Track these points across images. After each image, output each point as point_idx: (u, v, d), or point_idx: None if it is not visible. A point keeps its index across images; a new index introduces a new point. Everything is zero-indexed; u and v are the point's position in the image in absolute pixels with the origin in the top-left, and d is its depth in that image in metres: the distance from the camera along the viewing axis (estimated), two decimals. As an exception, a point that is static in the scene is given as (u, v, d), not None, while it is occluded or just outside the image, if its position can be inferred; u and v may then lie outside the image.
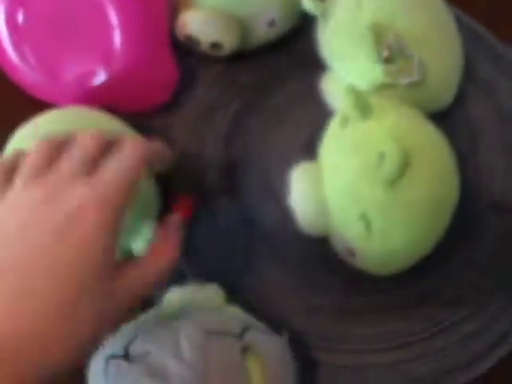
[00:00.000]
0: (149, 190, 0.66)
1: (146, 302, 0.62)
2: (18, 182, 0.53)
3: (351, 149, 0.62)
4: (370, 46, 0.65)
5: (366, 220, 0.60)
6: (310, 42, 0.73)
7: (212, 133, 0.74)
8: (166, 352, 0.55)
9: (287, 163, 0.67)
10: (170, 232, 0.59)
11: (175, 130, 0.74)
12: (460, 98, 0.73)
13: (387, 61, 0.66)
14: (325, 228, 0.64)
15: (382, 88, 0.66)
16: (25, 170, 0.53)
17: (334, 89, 0.70)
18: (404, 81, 0.66)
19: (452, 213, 0.63)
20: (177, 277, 0.65)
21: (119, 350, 0.56)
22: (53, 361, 0.48)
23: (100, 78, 0.71)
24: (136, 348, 0.56)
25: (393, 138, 0.59)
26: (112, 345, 0.58)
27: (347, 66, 0.69)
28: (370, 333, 0.66)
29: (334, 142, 0.64)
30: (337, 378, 0.64)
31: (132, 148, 0.54)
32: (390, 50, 0.65)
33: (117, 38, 0.70)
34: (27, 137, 0.66)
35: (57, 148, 0.55)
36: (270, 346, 0.58)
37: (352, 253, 0.63)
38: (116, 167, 0.53)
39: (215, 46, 0.73)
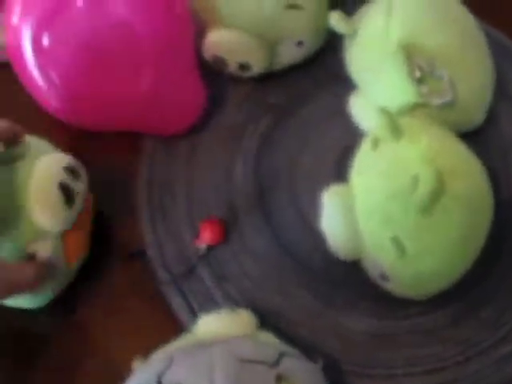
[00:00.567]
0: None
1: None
2: None
3: (383, 171, 0.61)
4: (401, 67, 0.64)
5: (398, 243, 0.59)
6: (337, 60, 0.73)
7: (240, 153, 0.74)
8: (198, 381, 0.55)
9: (316, 183, 0.66)
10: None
11: (204, 150, 0.74)
12: (492, 114, 0.72)
13: (418, 81, 0.65)
14: (357, 251, 0.63)
15: (414, 108, 0.65)
16: None
17: (362, 109, 0.69)
18: (436, 101, 0.65)
19: (487, 234, 0.62)
20: (209, 302, 0.65)
21: (152, 379, 0.56)
22: None
23: (127, 100, 0.70)
24: (168, 378, 0.55)
25: (426, 160, 0.59)
26: (144, 374, 0.57)
27: (377, 86, 0.68)
28: (404, 357, 0.65)
29: (366, 164, 0.63)
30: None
31: None
32: (422, 71, 0.65)
33: (144, 60, 0.69)
34: None
35: None
36: (304, 374, 0.57)
37: (384, 277, 0.62)
38: None
39: (243, 66, 0.72)
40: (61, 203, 0.62)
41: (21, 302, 0.65)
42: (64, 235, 0.64)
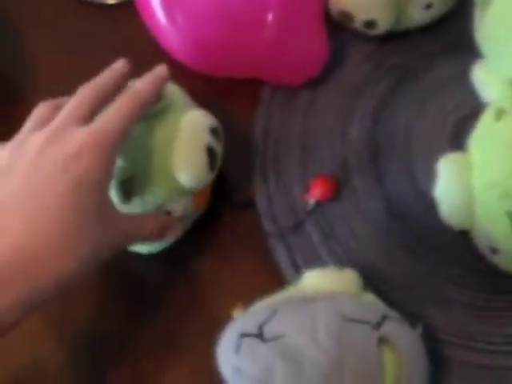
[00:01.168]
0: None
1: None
2: (28, 126, 0.60)
3: (504, 143, 0.59)
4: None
5: (513, 218, 0.58)
6: (464, 25, 0.71)
7: (357, 112, 0.73)
8: (301, 336, 0.55)
9: (431, 151, 0.66)
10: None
11: (319, 106, 0.74)
12: None
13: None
14: (468, 221, 0.62)
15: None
16: (33, 117, 0.61)
17: (488, 78, 0.68)
18: None
19: None
20: (314, 259, 0.65)
21: (253, 329, 0.56)
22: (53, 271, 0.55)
23: (250, 46, 0.70)
24: (271, 328, 0.56)
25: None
26: (245, 322, 0.58)
27: (506, 57, 0.66)
28: (504, 334, 0.64)
29: (487, 135, 0.61)
30: (469, 378, 0.62)
31: (125, 97, 0.61)
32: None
33: (271, 8, 0.69)
34: None
35: (62, 101, 0.62)
36: (405, 339, 0.57)
37: (495, 250, 0.61)
38: (112, 114, 0.59)
39: (369, 24, 0.71)
40: (206, 166, 0.63)
41: (138, 247, 0.67)
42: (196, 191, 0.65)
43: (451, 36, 0.75)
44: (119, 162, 0.61)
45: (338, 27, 0.74)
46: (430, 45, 0.76)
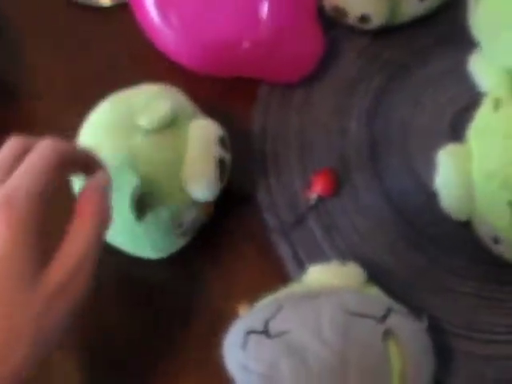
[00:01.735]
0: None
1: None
2: None
3: (503, 133, 0.60)
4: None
5: (514, 209, 0.58)
6: (458, 17, 0.71)
7: (354, 108, 0.73)
8: (306, 331, 0.55)
9: (429, 143, 0.66)
10: (84, 202, 0.54)
11: (315, 103, 0.74)
12: None
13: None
14: (469, 212, 0.62)
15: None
16: None
17: (485, 68, 0.68)
18: None
19: None
20: (316, 253, 0.65)
21: (259, 325, 0.56)
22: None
23: (245, 44, 0.70)
24: (276, 325, 0.56)
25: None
26: (251, 318, 0.58)
27: (502, 47, 0.66)
28: (507, 323, 0.64)
29: (485, 125, 0.62)
30: (474, 368, 0.62)
31: (41, 150, 0.52)
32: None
33: (265, 5, 0.69)
34: (103, 114, 0.66)
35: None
36: (410, 331, 0.57)
37: (497, 239, 0.61)
38: (24, 171, 0.51)
39: (363, 18, 0.71)
40: (217, 178, 0.63)
41: (146, 252, 0.67)
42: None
43: (445, 28, 0.76)
44: (131, 179, 0.60)
45: (331, 23, 0.74)
46: (424, 38, 0.76)
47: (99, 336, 0.66)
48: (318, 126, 0.72)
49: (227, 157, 0.64)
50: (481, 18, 0.68)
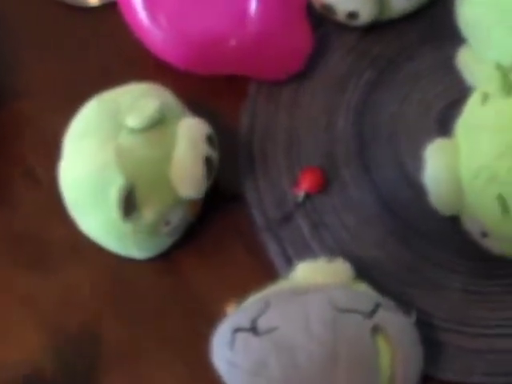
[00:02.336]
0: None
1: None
2: None
3: (492, 127, 0.59)
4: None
5: (502, 201, 0.58)
6: (446, 12, 0.71)
7: (342, 104, 0.73)
8: (294, 328, 0.55)
9: (418, 139, 0.66)
10: None
11: (304, 99, 0.74)
12: None
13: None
14: (458, 207, 0.62)
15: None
16: None
17: (472, 64, 0.68)
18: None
19: None
20: (305, 251, 0.65)
21: (246, 323, 0.56)
22: None
23: (232, 42, 0.70)
24: (264, 322, 0.56)
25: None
26: (238, 317, 0.58)
27: (489, 41, 0.66)
28: (497, 317, 0.64)
29: (473, 119, 0.62)
30: (465, 362, 0.62)
31: None
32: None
33: (252, 2, 0.69)
34: (91, 113, 0.66)
35: None
36: (399, 326, 0.57)
37: (484, 233, 0.61)
38: None
39: (352, 15, 0.71)
40: (204, 176, 0.63)
41: (134, 252, 0.66)
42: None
43: (433, 24, 0.75)
44: (117, 179, 0.60)
45: (320, 19, 0.74)
46: (413, 34, 0.76)
47: (85, 337, 0.66)
48: (307, 123, 0.72)
49: (214, 155, 0.64)
50: (468, 14, 0.68)
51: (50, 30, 0.80)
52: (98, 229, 0.64)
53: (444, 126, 0.67)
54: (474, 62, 0.67)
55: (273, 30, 0.70)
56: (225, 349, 0.57)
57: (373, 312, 0.56)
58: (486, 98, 0.61)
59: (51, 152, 0.66)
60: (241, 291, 0.61)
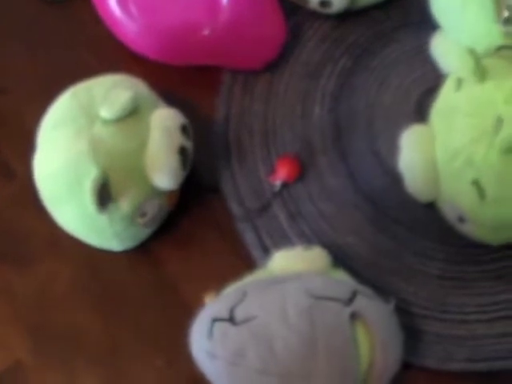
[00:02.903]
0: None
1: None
2: None
3: (466, 112, 0.59)
4: (488, 6, 0.62)
5: (478, 186, 0.58)
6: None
7: (318, 92, 0.73)
8: (271, 317, 0.55)
9: (395, 124, 0.66)
10: None
11: (280, 88, 0.73)
12: None
13: (506, 21, 0.63)
14: (434, 192, 0.62)
15: (500, 50, 0.63)
16: None
17: (445, 50, 0.68)
18: (524, 42, 0.63)
19: None
20: (282, 240, 0.65)
21: (224, 313, 0.56)
22: None
23: (205, 31, 0.70)
24: (241, 312, 0.56)
25: (511, 100, 0.57)
26: (216, 306, 0.57)
27: (461, 27, 0.66)
28: (478, 303, 0.64)
29: (448, 105, 0.62)
30: (447, 349, 0.62)
31: None
32: (510, 10, 0.63)
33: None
34: (65, 105, 0.65)
35: None
36: (378, 313, 0.57)
37: (462, 219, 0.61)
38: None
39: (324, 3, 0.71)
40: (179, 166, 0.62)
41: (111, 244, 0.66)
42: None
43: (406, 11, 0.76)
44: (92, 170, 0.60)
45: (294, 8, 0.74)
46: (388, 21, 0.76)
47: (63, 330, 0.65)
48: (282, 111, 0.72)
49: (189, 145, 0.64)
50: (439, 1, 0.68)
51: (22, 25, 0.80)
52: (75, 221, 0.64)
53: (421, 112, 0.67)
54: (448, 48, 0.67)
55: (246, 19, 0.69)
56: (203, 339, 0.57)
57: (350, 299, 0.56)
58: (459, 83, 0.61)
59: (26, 145, 0.66)
60: (219, 281, 0.61)
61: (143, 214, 0.63)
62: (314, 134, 0.71)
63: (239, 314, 0.56)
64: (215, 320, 0.56)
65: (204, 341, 0.56)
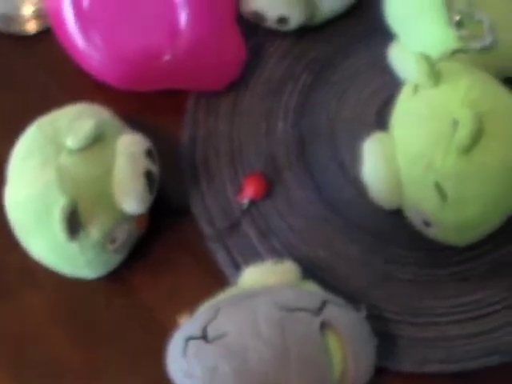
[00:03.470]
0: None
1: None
2: None
3: (423, 116, 0.60)
4: (440, 11, 0.64)
5: (440, 189, 0.58)
6: (375, 10, 0.72)
7: (280, 109, 0.74)
8: (243, 332, 0.55)
9: (357, 135, 0.66)
10: None
11: (243, 107, 0.74)
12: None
13: (458, 25, 0.64)
14: (398, 199, 0.62)
15: (454, 54, 0.64)
16: None
17: (402, 57, 0.69)
18: (476, 45, 0.64)
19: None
20: (254, 257, 0.65)
21: (197, 331, 0.56)
22: None
23: (166, 57, 0.71)
24: (214, 329, 0.56)
25: (466, 103, 0.58)
26: (190, 326, 0.58)
27: (416, 33, 0.67)
28: (449, 304, 0.64)
29: (406, 111, 0.62)
30: (421, 352, 0.62)
31: None
32: (461, 14, 0.64)
33: (182, 15, 0.69)
34: (31, 137, 0.66)
35: None
36: (349, 322, 0.57)
37: (427, 223, 0.62)
38: None
39: (281, 20, 0.72)
40: (146, 190, 0.63)
41: (83, 272, 0.66)
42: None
43: (364, 23, 0.77)
44: (60, 199, 0.61)
45: (253, 27, 0.75)
46: (346, 35, 0.77)
47: (44, 361, 0.66)
48: (247, 129, 0.73)
49: (154, 169, 0.65)
50: (394, 10, 0.69)
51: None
52: (46, 251, 0.64)
53: (382, 122, 0.67)
54: (404, 56, 0.68)
55: (205, 42, 0.70)
56: (178, 358, 0.57)
57: (320, 309, 0.56)
58: (415, 89, 0.61)
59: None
60: (193, 302, 0.61)
61: (113, 240, 0.64)
62: (278, 150, 0.71)
63: (212, 331, 0.56)
64: (189, 339, 0.57)
65: (179, 360, 0.57)
